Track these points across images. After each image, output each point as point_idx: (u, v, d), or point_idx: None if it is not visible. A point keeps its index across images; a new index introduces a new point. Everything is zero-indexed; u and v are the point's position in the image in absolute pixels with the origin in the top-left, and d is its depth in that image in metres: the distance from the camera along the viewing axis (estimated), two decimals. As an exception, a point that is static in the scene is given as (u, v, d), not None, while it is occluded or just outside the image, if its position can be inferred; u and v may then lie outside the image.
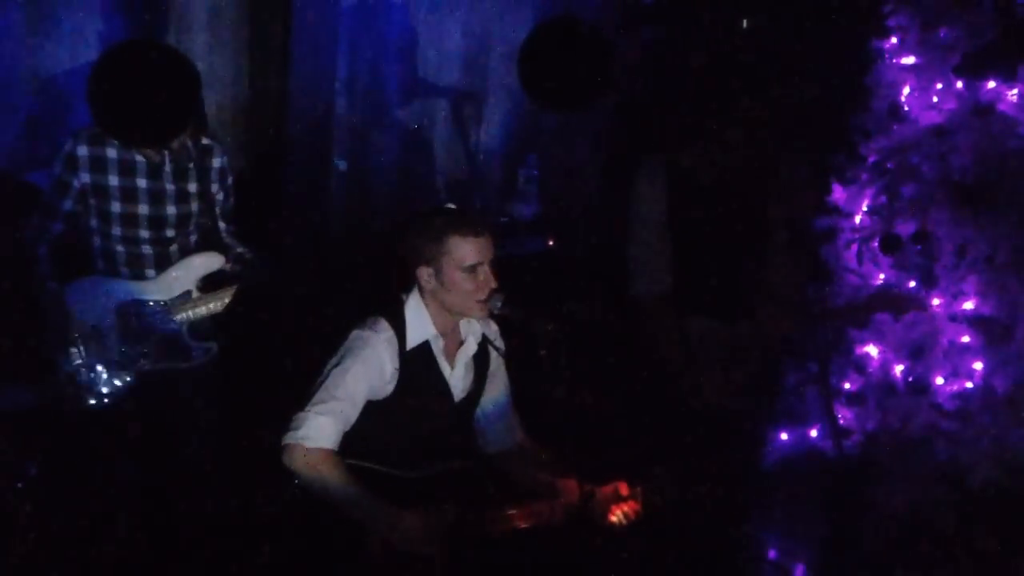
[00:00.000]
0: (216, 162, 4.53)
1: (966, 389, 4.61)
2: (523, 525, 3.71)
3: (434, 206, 5.69)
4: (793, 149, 4.58)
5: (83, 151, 4.33)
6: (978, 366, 4.58)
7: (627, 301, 4.58)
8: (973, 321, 4.51)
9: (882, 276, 4.77)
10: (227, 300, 4.50)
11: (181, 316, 4.51)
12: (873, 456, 4.70)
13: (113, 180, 4.37)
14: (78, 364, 4.45)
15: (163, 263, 4.50)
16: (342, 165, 5.88)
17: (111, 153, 4.36)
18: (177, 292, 4.51)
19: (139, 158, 4.38)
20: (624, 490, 3.78)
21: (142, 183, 4.40)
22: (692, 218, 4.47)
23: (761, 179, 4.49)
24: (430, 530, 3.59)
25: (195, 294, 4.52)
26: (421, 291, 3.81)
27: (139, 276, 4.48)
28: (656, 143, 4.82)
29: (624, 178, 4.72)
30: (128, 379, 4.49)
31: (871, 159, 4.91)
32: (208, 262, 4.55)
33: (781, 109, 4.48)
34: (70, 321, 4.42)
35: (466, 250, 3.72)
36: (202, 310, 4.51)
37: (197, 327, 4.55)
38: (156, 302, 4.49)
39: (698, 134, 4.49)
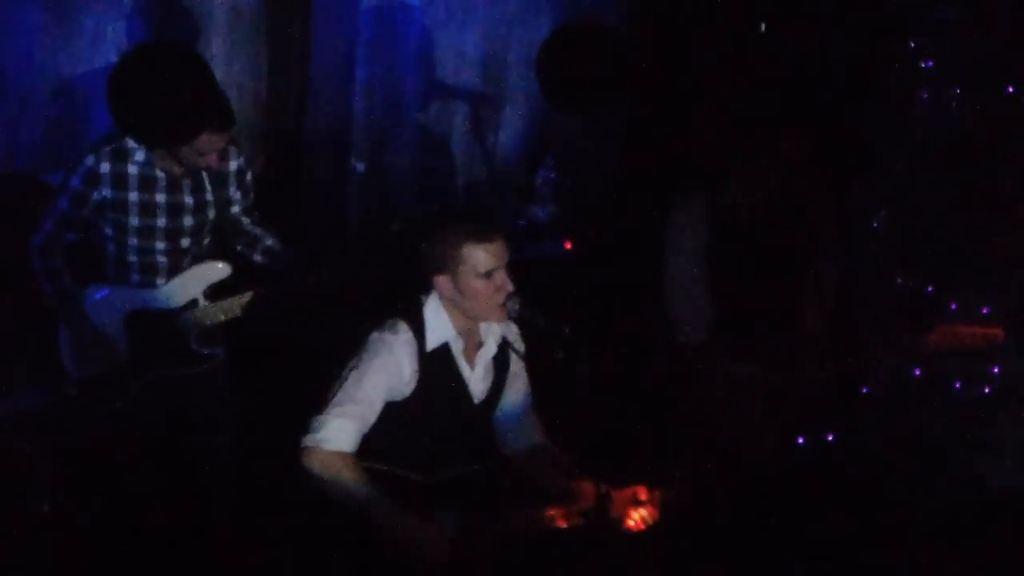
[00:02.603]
0: (232, 165, 4.53)
1: (986, 392, 4.60)
2: (539, 528, 3.71)
3: (446, 213, 5.72)
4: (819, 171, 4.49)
5: (105, 168, 4.35)
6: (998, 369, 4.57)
7: (671, 349, 4.48)
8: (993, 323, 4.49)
9: (899, 279, 4.77)
10: (234, 308, 4.52)
11: (188, 323, 4.52)
12: (892, 458, 4.69)
13: (133, 196, 4.39)
14: (88, 370, 4.48)
15: (175, 272, 4.52)
16: (360, 167, 5.88)
17: (132, 169, 4.37)
18: (185, 300, 4.52)
19: (159, 173, 4.39)
20: (642, 494, 3.76)
21: (161, 198, 4.42)
22: (735, 258, 4.37)
23: (800, 214, 4.39)
24: (444, 536, 3.58)
25: (202, 302, 4.53)
26: (440, 295, 3.82)
27: (149, 284, 4.50)
28: (692, 178, 4.71)
29: (653, 209, 4.63)
30: (137, 385, 4.51)
31: (889, 161, 4.90)
32: (215, 271, 4.56)
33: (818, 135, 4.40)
34: (84, 328, 4.44)
35: (481, 257, 3.72)
36: (209, 317, 4.53)
37: (205, 334, 4.56)
38: (165, 310, 4.50)
39: (737, 168, 4.41)
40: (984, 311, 4.60)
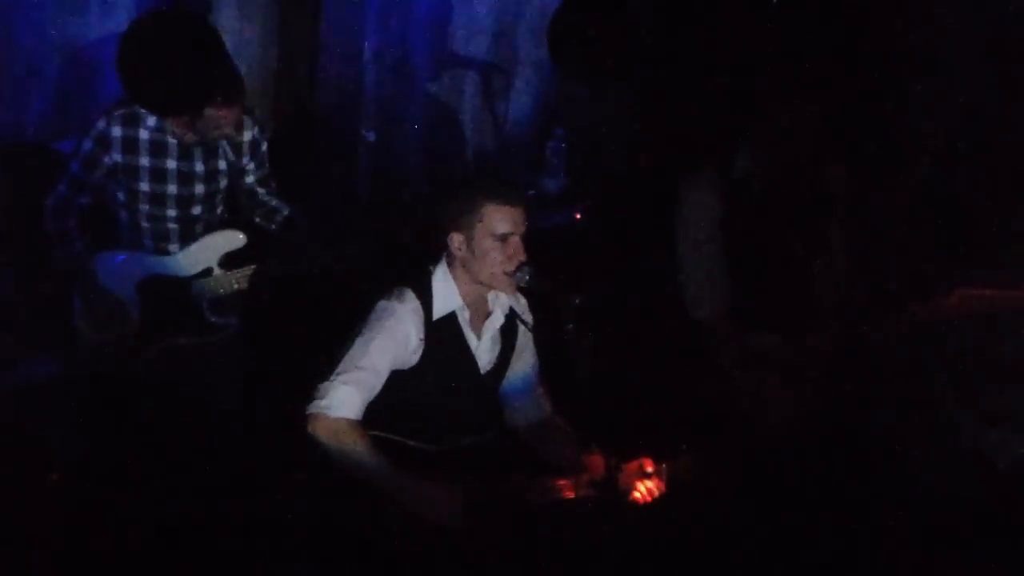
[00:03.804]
0: (247, 135, 4.53)
1: (999, 363, 4.58)
2: (546, 499, 3.71)
3: (471, 175, 5.71)
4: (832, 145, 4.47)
5: (116, 131, 4.36)
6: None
7: (691, 323, 4.47)
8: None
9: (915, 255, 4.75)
10: (248, 277, 4.52)
11: (202, 292, 4.52)
12: (899, 434, 4.69)
13: (144, 161, 4.39)
14: (101, 336, 4.48)
15: (188, 238, 4.52)
16: (370, 136, 5.88)
17: (143, 135, 4.38)
18: (199, 268, 4.53)
19: (171, 139, 4.39)
20: (649, 466, 3.77)
21: (172, 164, 4.42)
22: (747, 230, 4.37)
23: (811, 184, 4.38)
24: (452, 502, 3.59)
25: (216, 271, 4.53)
26: (450, 261, 3.81)
27: (162, 251, 4.51)
28: (701, 150, 4.69)
29: (664, 180, 4.62)
30: (149, 353, 4.51)
31: (909, 142, 4.87)
32: (231, 240, 4.56)
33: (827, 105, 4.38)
34: (97, 293, 4.44)
35: (499, 218, 3.72)
36: (223, 286, 4.53)
37: (218, 303, 4.57)
38: (178, 278, 4.51)
39: (747, 139, 4.39)
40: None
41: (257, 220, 4.68)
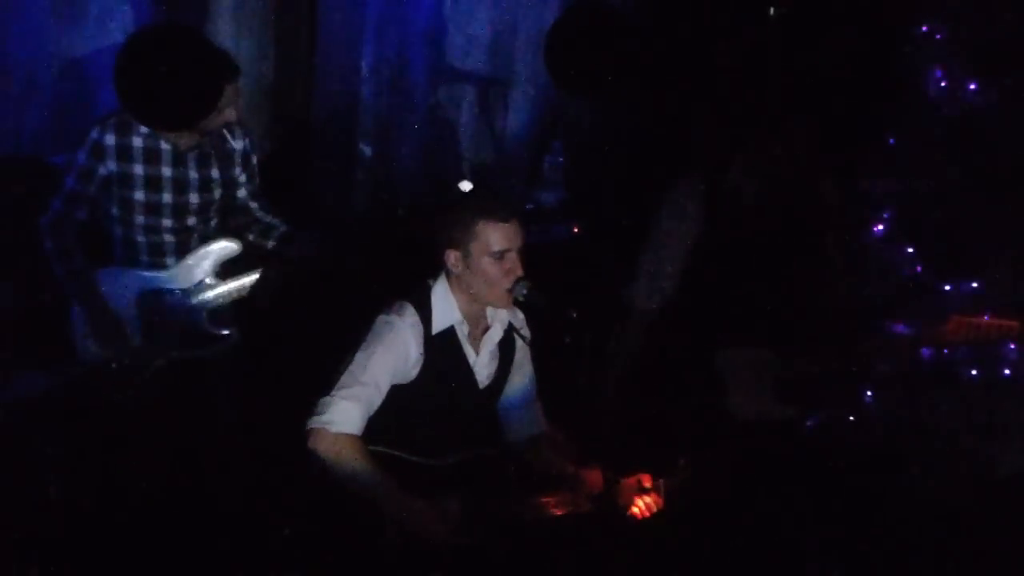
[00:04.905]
0: (238, 145, 4.53)
1: (995, 376, 4.59)
2: (544, 515, 3.71)
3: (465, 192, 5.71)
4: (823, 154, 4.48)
5: (110, 139, 4.34)
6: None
7: (621, 305, 4.50)
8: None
9: (908, 265, 4.75)
10: (246, 287, 4.52)
11: (200, 304, 4.52)
12: (899, 443, 4.69)
13: (138, 169, 4.38)
14: (102, 351, 4.48)
15: (183, 251, 4.51)
16: (367, 151, 5.88)
17: (137, 142, 4.37)
18: (195, 280, 4.52)
19: (164, 146, 4.38)
20: (647, 482, 3.77)
21: (166, 171, 4.41)
22: (741, 244, 4.36)
23: (806, 199, 4.38)
24: (449, 520, 3.59)
25: (214, 281, 4.53)
26: (448, 276, 3.81)
27: (159, 265, 4.50)
28: (694, 158, 4.69)
29: (655, 191, 4.63)
30: (149, 367, 4.51)
31: (898, 146, 4.88)
32: (226, 250, 4.55)
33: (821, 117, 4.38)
34: (98, 308, 4.44)
35: (495, 236, 3.71)
36: (221, 297, 4.53)
37: (217, 314, 4.56)
38: (175, 291, 4.50)
39: (742, 152, 4.40)
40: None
41: (251, 238, 4.67)
